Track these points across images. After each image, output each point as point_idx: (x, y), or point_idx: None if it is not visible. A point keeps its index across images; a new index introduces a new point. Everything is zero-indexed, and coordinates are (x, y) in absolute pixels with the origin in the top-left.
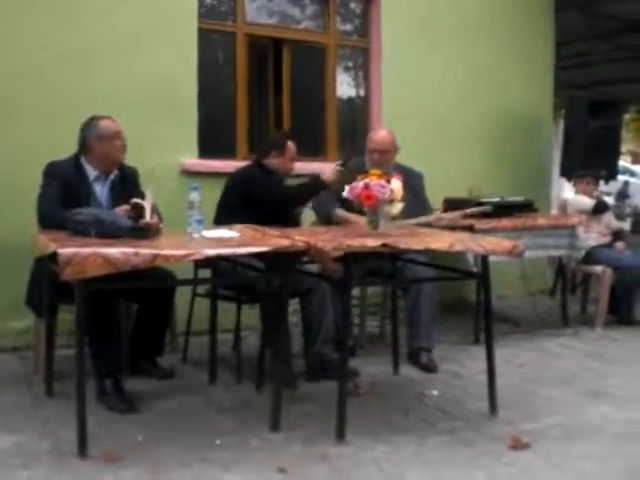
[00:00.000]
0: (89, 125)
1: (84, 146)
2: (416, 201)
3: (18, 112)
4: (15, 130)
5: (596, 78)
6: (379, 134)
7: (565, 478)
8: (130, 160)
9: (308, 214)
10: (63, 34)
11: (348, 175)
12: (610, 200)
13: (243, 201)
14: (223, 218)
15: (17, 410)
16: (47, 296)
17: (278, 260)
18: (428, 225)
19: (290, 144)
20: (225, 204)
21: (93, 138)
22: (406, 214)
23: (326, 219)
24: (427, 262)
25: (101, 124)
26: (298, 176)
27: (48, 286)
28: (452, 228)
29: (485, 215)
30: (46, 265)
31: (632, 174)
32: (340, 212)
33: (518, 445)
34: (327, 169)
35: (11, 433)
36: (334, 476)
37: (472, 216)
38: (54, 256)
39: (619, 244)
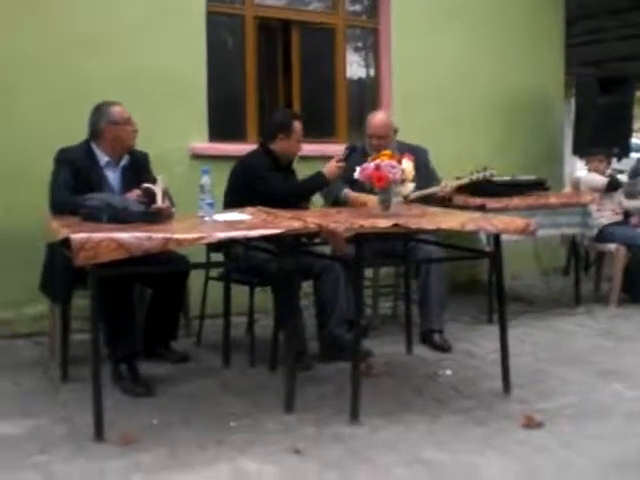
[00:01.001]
0: (99, 110)
1: (94, 132)
2: (424, 177)
3: (22, 100)
4: (20, 118)
5: (609, 55)
6: (375, 119)
7: (578, 457)
8: (141, 145)
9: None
10: (69, 21)
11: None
12: (623, 178)
13: (248, 191)
14: (231, 203)
15: (33, 395)
16: (61, 281)
17: (290, 242)
18: (437, 199)
19: (296, 124)
20: (231, 191)
21: (104, 123)
22: (414, 191)
23: (334, 202)
24: (439, 242)
25: (112, 110)
26: (308, 158)
27: (62, 271)
28: (464, 208)
29: (496, 194)
30: (59, 251)
31: None
32: (349, 192)
33: (531, 424)
34: (329, 165)
35: (28, 418)
36: (349, 456)
37: (480, 193)
38: (67, 241)
39: (634, 218)
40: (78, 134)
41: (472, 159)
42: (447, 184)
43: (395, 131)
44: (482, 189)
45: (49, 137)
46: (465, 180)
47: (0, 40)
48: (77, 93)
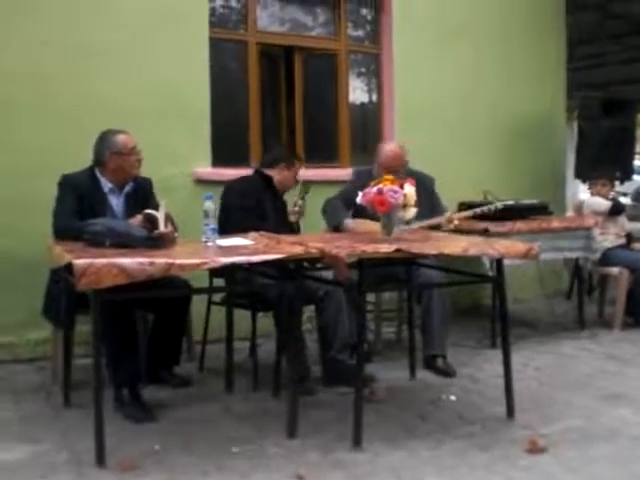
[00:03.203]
0: (104, 139)
1: (98, 160)
2: (429, 205)
3: (23, 121)
4: (20, 141)
5: (612, 78)
6: (388, 150)
7: None
8: (144, 170)
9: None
10: (73, 41)
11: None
12: (626, 200)
13: (242, 215)
14: (225, 228)
15: (35, 420)
16: (64, 307)
17: (292, 268)
18: (439, 227)
19: (298, 163)
20: (225, 217)
21: (107, 153)
22: (419, 219)
23: (336, 228)
24: (441, 267)
25: (116, 139)
26: (311, 183)
27: (65, 297)
28: (467, 232)
29: (499, 218)
30: (62, 276)
31: None
32: (350, 223)
33: (535, 449)
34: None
35: (29, 443)
36: None
37: (483, 217)
38: (70, 267)
39: (638, 245)
40: (79, 154)
41: (474, 183)
42: (453, 217)
43: (405, 164)
44: (485, 213)
45: (47, 162)
46: (468, 213)
47: None
48: (80, 113)
